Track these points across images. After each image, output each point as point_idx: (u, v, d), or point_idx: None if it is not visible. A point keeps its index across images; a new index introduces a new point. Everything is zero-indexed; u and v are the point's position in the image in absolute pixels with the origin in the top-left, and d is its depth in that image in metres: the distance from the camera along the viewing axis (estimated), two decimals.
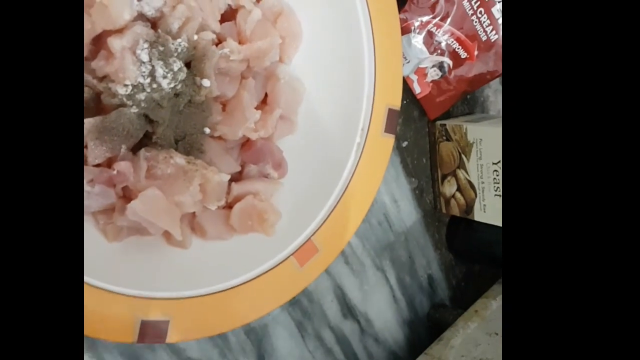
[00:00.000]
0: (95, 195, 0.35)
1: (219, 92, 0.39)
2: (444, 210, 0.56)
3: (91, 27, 0.34)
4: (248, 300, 0.38)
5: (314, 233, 0.40)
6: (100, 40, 0.35)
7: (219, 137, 0.40)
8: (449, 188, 0.55)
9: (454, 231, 0.58)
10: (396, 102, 0.42)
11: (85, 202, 0.35)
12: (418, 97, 0.52)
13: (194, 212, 0.39)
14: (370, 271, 0.54)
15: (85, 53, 0.35)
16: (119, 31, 0.34)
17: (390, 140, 0.42)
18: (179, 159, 0.36)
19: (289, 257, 0.39)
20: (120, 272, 0.35)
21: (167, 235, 0.38)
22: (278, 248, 0.40)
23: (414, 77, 0.50)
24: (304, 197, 0.42)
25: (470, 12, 0.48)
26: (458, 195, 0.54)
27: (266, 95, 0.43)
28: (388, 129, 0.42)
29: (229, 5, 0.40)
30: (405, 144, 0.54)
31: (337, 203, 0.41)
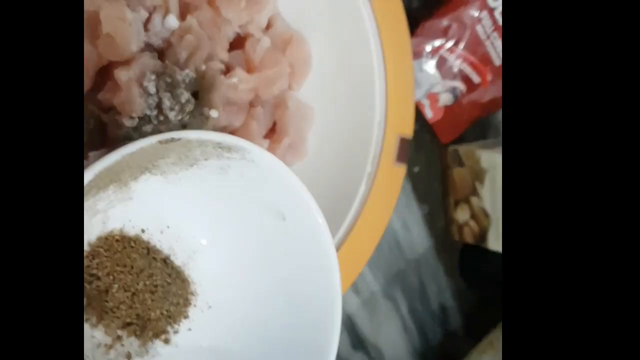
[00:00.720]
0: None
1: (227, 122, 0.38)
2: (456, 237, 0.55)
3: (98, 58, 0.33)
4: None
5: None
6: (106, 71, 0.34)
7: None
8: (461, 215, 0.53)
9: (467, 258, 0.57)
10: (408, 130, 0.41)
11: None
12: (430, 121, 0.51)
13: None
14: (380, 299, 0.52)
15: (92, 84, 0.34)
16: (126, 62, 0.34)
17: (402, 170, 0.41)
18: None
19: None
20: None
21: None
22: None
23: (426, 102, 0.49)
24: None
25: (484, 36, 0.47)
26: (471, 222, 0.52)
27: (274, 123, 0.42)
28: (400, 158, 0.41)
29: (237, 33, 0.39)
30: (416, 169, 0.53)
31: (346, 236, 0.40)
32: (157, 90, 0.34)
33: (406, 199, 0.53)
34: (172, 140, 0.31)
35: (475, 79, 0.48)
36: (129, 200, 0.34)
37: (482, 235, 0.51)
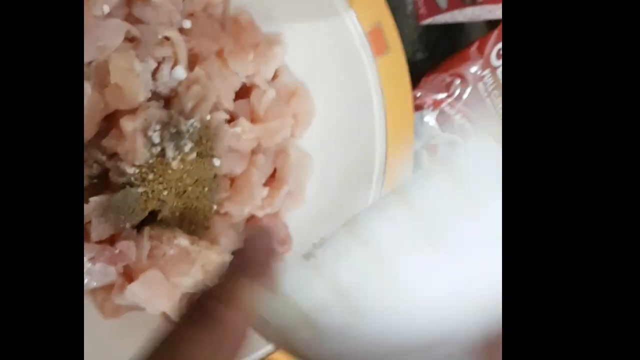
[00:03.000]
0: (95, 273, 0.35)
1: (228, 169, 0.39)
2: None
3: (104, 106, 0.34)
4: None
5: None
6: (113, 117, 0.35)
7: (225, 214, 0.40)
8: None
9: None
10: None
11: (86, 280, 0.34)
12: None
13: None
14: None
15: (97, 130, 0.35)
16: (132, 112, 0.34)
17: None
18: (183, 240, 0.35)
19: None
20: (116, 356, 0.34)
21: (165, 314, 0.37)
22: None
23: (424, 153, 0.50)
24: None
25: (485, 94, 0.48)
26: None
27: (274, 170, 0.43)
28: None
29: (243, 82, 0.40)
30: None
31: None
32: (162, 140, 0.35)
33: None
34: None
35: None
36: None
37: None
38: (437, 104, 0.48)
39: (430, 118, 0.49)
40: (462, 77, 0.47)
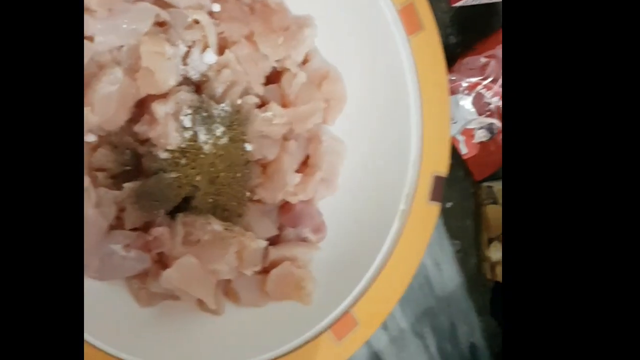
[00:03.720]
0: (130, 260, 0.34)
1: (260, 155, 0.38)
2: (488, 276, 0.53)
3: (135, 91, 0.34)
4: None
5: (353, 305, 0.38)
6: (144, 103, 0.35)
7: (258, 200, 0.39)
8: (495, 253, 0.52)
9: (500, 297, 0.55)
10: (443, 168, 0.40)
11: (121, 267, 0.34)
12: (464, 157, 0.50)
13: None
14: (409, 338, 0.51)
15: (129, 116, 0.35)
16: (163, 96, 0.34)
17: (435, 208, 0.40)
18: (217, 226, 0.35)
19: (326, 330, 0.37)
20: (152, 344, 0.34)
21: (200, 301, 0.37)
22: (314, 319, 0.38)
23: (461, 138, 0.49)
24: (343, 265, 0.40)
25: None
26: None
27: (307, 156, 0.42)
28: (434, 197, 0.40)
29: (273, 67, 0.39)
30: (449, 204, 0.52)
31: (378, 274, 0.39)
32: (193, 124, 0.34)
33: (437, 235, 0.51)
34: None
35: None
36: None
37: None
38: (472, 87, 0.47)
39: (465, 102, 0.47)
40: (497, 58, 0.46)
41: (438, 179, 0.40)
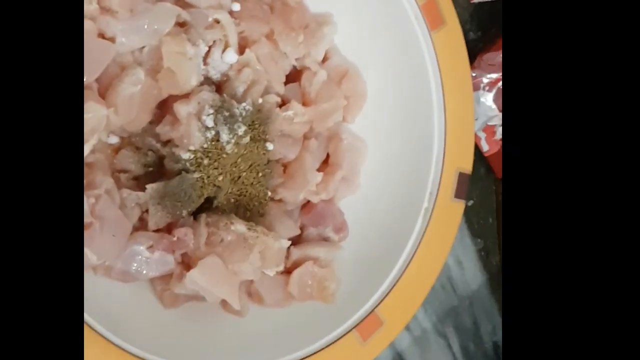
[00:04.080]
0: (154, 262, 0.34)
1: (281, 154, 0.38)
2: None
3: (158, 92, 0.34)
4: None
5: (378, 304, 0.38)
6: (165, 104, 0.35)
7: (279, 200, 0.39)
8: None
9: None
10: (467, 165, 0.40)
11: (144, 269, 0.34)
12: (485, 154, 0.49)
13: None
14: (432, 337, 0.50)
15: (151, 117, 0.35)
16: (185, 96, 0.34)
17: (460, 205, 0.40)
18: (240, 226, 0.35)
19: (351, 330, 0.37)
20: (176, 345, 0.34)
21: (224, 302, 0.37)
22: (339, 320, 0.37)
23: (482, 135, 0.48)
24: (367, 265, 0.40)
25: None
26: None
27: (328, 155, 0.42)
28: (458, 194, 0.39)
29: (294, 65, 0.39)
30: (470, 202, 0.51)
31: (402, 273, 0.38)
32: (215, 124, 0.34)
33: (459, 234, 0.51)
34: None
35: None
36: None
37: None
38: (493, 83, 0.46)
39: (487, 98, 0.46)
40: None
41: (462, 176, 0.40)
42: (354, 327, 0.37)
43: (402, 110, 0.41)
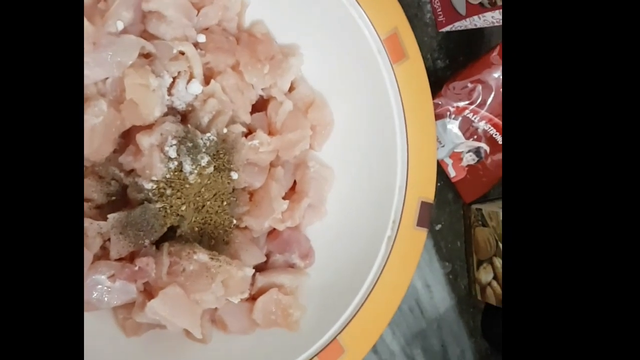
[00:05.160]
0: (116, 291, 0.34)
1: (247, 183, 0.38)
2: (479, 297, 0.53)
3: (120, 122, 0.34)
4: None
5: (340, 332, 0.38)
6: (129, 134, 0.35)
7: (245, 228, 0.39)
8: (484, 275, 0.52)
9: (491, 318, 0.55)
10: (429, 195, 0.40)
11: (106, 298, 0.34)
12: (453, 180, 0.50)
13: None
14: None
15: (114, 147, 0.35)
16: (148, 127, 0.34)
17: (422, 234, 0.40)
18: (202, 255, 0.35)
19: (312, 358, 0.37)
20: None
21: (187, 330, 0.37)
22: (302, 347, 0.38)
23: (449, 161, 0.49)
24: (331, 292, 0.40)
25: None
26: (494, 283, 0.51)
27: (295, 182, 0.42)
28: (420, 223, 0.40)
29: (260, 95, 0.40)
30: (439, 227, 0.52)
31: (364, 300, 0.39)
32: (178, 155, 0.34)
33: (428, 257, 0.51)
34: None
35: (500, 140, 0.48)
36: None
37: None
38: (459, 111, 0.47)
39: (453, 126, 0.47)
40: (484, 83, 0.46)
41: (424, 205, 0.40)
42: (315, 355, 0.37)
43: (367, 140, 0.41)
